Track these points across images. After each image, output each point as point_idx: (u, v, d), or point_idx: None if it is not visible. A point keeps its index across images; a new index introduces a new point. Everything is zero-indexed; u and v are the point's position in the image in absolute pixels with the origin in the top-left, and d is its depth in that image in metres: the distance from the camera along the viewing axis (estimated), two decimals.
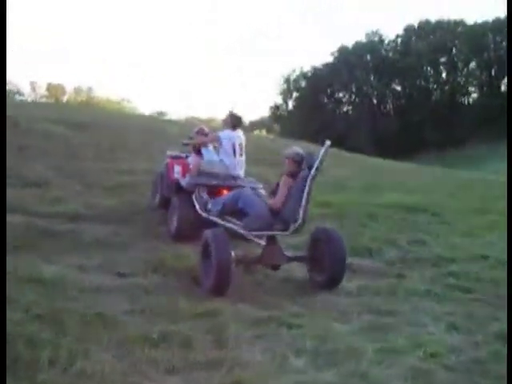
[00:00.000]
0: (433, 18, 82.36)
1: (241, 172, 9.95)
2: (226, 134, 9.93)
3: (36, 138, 15.45)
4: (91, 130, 17.80)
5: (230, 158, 9.79)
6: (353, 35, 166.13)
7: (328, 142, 7.32)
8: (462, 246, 10.04)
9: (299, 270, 8.09)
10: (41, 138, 15.61)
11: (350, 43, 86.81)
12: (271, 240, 7.72)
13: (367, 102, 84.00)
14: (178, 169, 10.39)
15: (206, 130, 10.79)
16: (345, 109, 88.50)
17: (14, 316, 5.27)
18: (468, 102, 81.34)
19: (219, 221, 8.13)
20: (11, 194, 10.31)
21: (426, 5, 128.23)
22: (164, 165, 10.82)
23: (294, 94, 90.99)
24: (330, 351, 5.35)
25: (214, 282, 6.92)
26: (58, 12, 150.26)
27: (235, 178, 9.73)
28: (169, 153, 11.19)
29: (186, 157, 10.80)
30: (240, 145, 9.94)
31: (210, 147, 10.27)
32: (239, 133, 10.13)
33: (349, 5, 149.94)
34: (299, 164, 7.63)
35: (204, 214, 8.60)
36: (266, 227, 7.60)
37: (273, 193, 7.86)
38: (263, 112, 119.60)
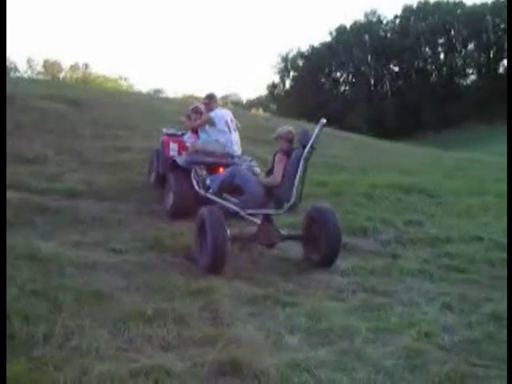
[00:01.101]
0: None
1: (236, 148, 9.99)
2: (216, 112, 10.06)
3: (33, 115, 15.42)
4: (88, 107, 17.78)
5: (226, 135, 9.85)
6: (351, 15, 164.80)
7: (323, 121, 7.37)
8: (458, 226, 10.05)
9: (295, 249, 8.12)
10: (38, 114, 15.58)
11: (348, 23, 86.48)
12: (266, 218, 7.78)
13: (364, 82, 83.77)
14: (173, 146, 10.47)
15: (202, 107, 10.68)
16: (342, 89, 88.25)
17: (9, 292, 5.29)
18: (466, 83, 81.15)
19: (216, 199, 8.16)
20: (8, 170, 10.28)
21: None
22: (160, 142, 10.88)
23: (292, 73, 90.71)
24: (324, 329, 5.38)
25: (210, 259, 6.94)
26: None
27: (232, 155, 9.80)
28: (164, 130, 11.32)
29: (182, 134, 10.93)
30: (232, 120, 10.08)
31: (206, 127, 10.14)
32: (227, 110, 10.53)
33: None
34: (291, 142, 7.77)
35: (202, 192, 8.62)
36: (260, 206, 7.67)
37: (269, 172, 7.86)
38: (260, 91, 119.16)
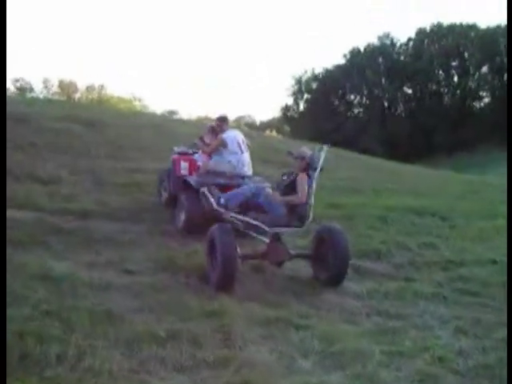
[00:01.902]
0: (445, 22, 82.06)
1: (247, 169, 10.17)
2: (229, 134, 10.30)
3: (47, 136, 15.48)
4: (102, 128, 17.84)
5: (237, 156, 10.05)
6: (365, 37, 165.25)
7: (326, 147, 7.64)
8: (471, 249, 10.01)
9: (308, 270, 8.10)
10: (52, 135, 15.64)
11: (361, 45, 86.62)
12: (275, 237, 7.89)
13: (378, 105, 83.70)
14: (184, 165, 10.62)
15: (217, 128, 10.73)
16: (356, 111, 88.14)
17: (23, 312, 5.32)
18: (479, 106, 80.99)
19: (240, 217, 7.96)
20: (22, 190, 10.39)
21: (439, 8, 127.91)
22: (171, 161, 11.00)
23: (305, 96, 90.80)
24: (337, 353, 5.36)
25: (220, 276, 7.08)
26: (71, 9, 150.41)
27: (242, 176, 9.95)
28: (175, 149, 11.34)
29: (193, 153, 10.98)
30: (243, 141, 10.29)
31: (220, 149, 10.17)
32: (238, 131, 10.84)
33: (360, 6, 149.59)
34: (307, 163, 7.86)
35: (222, 210, 8.28)
36: (284, 224, 7.77)
37: (285, 190, 7.96)
38: (274, 113, 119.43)
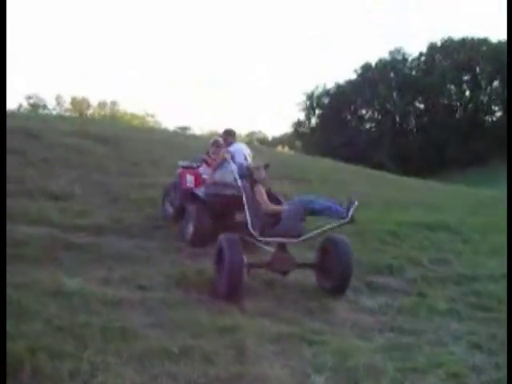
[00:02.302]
0: (456, 36, 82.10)
1: None
2: (236, 147, 10.87)
3: (60, 151, 15.56)
4: (115, 143, 17.93)
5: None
6: (376, 53, 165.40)
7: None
8: (484, 264, 9.98)
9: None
10: (65, 151, 15.72)
11: (373, 60, 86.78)
12: (281, 247, 8.08)
13: (390, 120, 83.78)
14: (190, 178, 10.96)
15: (221, 142, 11.17)
16: (367, 126, 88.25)
17: (35, 328, 5.32)
18: (491, 120, 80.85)
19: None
20: (35, 206, 10.43)
21: (450, 23, 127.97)
22: (176, 175, 11.36)
23: (317, 111, 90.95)
24: (350, 369, 5.33)
25: (226, 285, 7.30)
26: (82, 26, 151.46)
27: None
28: (180, 163, 11.62)
29: (198, 167, 11.26)
30: (249, 154, 10.83)
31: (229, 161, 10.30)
32: (243, 144, 11.50)
33: (371, 21, 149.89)
34: None
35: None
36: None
37: None
38: (286, 128, 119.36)
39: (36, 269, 7.30)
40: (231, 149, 10.67)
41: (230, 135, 11.23)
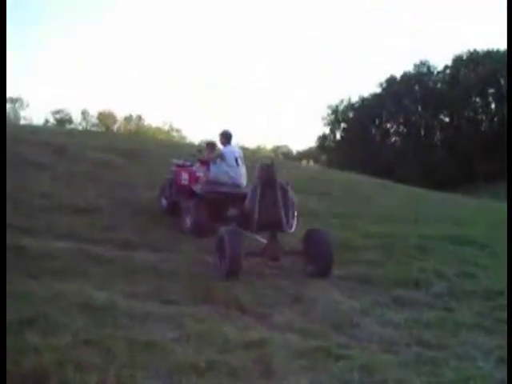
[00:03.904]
0: (481, 49, 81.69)
1: (243, 180, 11.83)
2: (227, 149, 11.99)
3: (86, 166, 15.71)
4: (140, 158, 18.06)
5: (234, 168, 11.78)
6: (401, 66, 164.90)
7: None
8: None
9: (347, 301, 8.06)
10: (91, 165, 15.86)
11: (397, 73, 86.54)
12: (272, 237, 9.54)
13: (415, 133, 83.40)
14: (185, 176, 12.57)
15: (215, 144, 12.82)
16: (392, 139, 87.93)
17: (62, 341, 5.34)
18: None
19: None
20: (63, 220, 10.55)
21: (475, 35, 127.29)
22: (171, 172, 12.88)
23: (342, 125, 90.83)
24: (378, 383, 5.31)
25: (228, 269, 8.71)
26: (107, 41, 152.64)
27: (239, 186, 11.65)
28: (175, 161, 13.24)
29: (191, 165, 12.80)
30: (240, 157, 11.96)
31: (218, 160, 11.89)
32: (236, 147, 12.56)
33: (397, 35, 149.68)
34: None
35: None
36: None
37: None
38: (310, 142, 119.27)
39: (63, 282, 7.35)
40: (224, 150, 11.97)
41: (224, 137, 12.22)
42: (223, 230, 9.21)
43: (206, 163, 12.29)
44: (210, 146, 12.92)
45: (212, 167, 11.96)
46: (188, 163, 13.09)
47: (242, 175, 11.83)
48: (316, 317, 7.44)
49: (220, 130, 12.37)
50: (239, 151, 12.22)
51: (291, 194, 9.75)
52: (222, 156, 11.81)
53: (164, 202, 13.12)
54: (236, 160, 11.80)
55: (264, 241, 9.70)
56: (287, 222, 9.46)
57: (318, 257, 9.40)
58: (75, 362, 4.92)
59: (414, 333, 7.02)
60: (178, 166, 13.07)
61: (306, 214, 12.23)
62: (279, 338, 6.32)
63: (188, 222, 11.66)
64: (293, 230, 9.61)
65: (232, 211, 10.73)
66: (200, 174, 12.32)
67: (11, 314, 5.60)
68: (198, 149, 13.43)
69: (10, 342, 4.96)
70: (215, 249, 9.19)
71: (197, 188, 11.81)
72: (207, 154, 12.64)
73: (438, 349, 6.53)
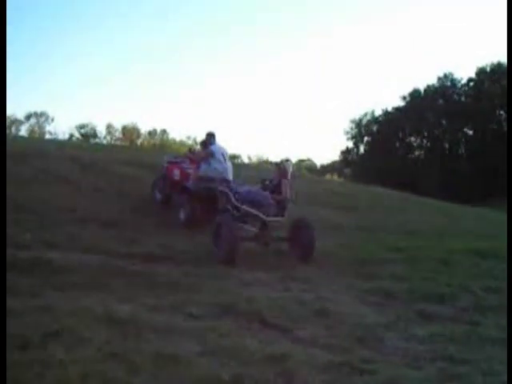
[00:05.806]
0: (505, 61, 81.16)
1: (230, 175, 13.47)
2: (215, 147, 13.76)
3: (111, 180, 15.80)
4: None
5: (222, 164, 13.50)
6: (424, 79, 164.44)
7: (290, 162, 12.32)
8: None
9: (371, 316, 8.02)
10: (116, 179, 15.95)
11: (421, 86, 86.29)
12: (264, 225, 11.45)
13: (439, 146, 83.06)
14: (176, 172, 14.29)
15: (207, 142, 14.22)
16: (416, 153, 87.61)
17: (87, 354, 5.35)
18: None
19: (251, 210, 11.27)
20: (88, 233, 10.62)
21: (499, 47, 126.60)
22: (164, 168, 14.71)
23: (366, 138, 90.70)
24: None
25: (225, 252, 10.32)
26: (128, 56, 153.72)
27: (228, 181, 12.85)
28: (166, 158, 15.07)
29: (181, 162, 14.80)
30: (226, 153, 13.85)
31: (210, 158, 13.54)
32: (221, 145, 14.10)
33: (419, 48, 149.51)
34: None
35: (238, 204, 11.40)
36: (274, 214, 11.37)
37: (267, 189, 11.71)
38: (334, 156, 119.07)
39: (88, 296, 7.39)
40: (212, 148, 13.66)
41: (211, 136, 13.96)
42: (219, 218, 10.96)
43: (195, 161, 14.01)
44: (204, 144, 14.33)
45: (202, 164, 13.60)
46: (178, 160, 15.07)
47: (229, 170, 13.55)
48: (340, 331, 7.39)
49: (206, 131, 14.17)
50: (224, 149, 14.00)
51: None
52: (212, 153, 13.49)
53: (158, 195, 14.78)
54: (223, 156, 13.63)
55: (254, 229, 11.57)
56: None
57: (302, 242, 11.34)
58: (99, 375, 4.93)
59: (439, 347, 6.95)
60: (170, 162, 14.86)
61: (332, 228, 12.25)
62: (303, 351, 6.29)
63: (182, 215, 13.32)
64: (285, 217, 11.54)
65: (221, 204, 12.08)
66: (190, 170, 14.11)
67: (36, 328, 5.63)
68: (189, 148, 16.20)
69: (34, 355, 4.99)
70: (213, 235, 10.79)
71: (189, 184, 13.57)
72: (203, 150, 14.35)
73: (462, 364, 6.45)
